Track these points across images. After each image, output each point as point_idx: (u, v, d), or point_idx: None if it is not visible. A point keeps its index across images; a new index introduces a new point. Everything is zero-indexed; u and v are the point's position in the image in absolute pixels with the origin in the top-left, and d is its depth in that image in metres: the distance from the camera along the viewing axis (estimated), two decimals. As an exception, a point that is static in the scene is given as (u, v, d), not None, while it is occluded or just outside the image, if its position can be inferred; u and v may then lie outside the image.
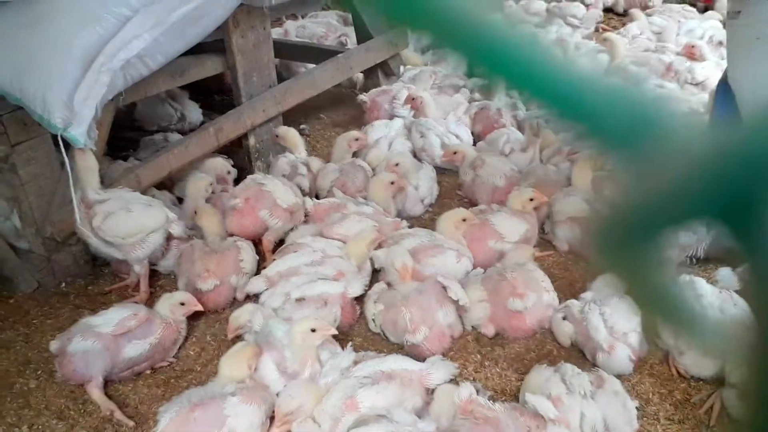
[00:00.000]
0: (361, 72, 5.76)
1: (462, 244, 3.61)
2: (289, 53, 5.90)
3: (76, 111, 3.30)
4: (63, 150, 3.38)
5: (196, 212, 3.82)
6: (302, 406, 2.66)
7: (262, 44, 4.48)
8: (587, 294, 3.19)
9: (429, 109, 5.09)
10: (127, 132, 5.02)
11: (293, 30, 6.93)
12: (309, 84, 4.96)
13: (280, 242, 3.84)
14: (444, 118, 5.08)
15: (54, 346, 3.08)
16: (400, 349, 3.18)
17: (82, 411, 2.99)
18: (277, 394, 2.77)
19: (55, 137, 3.39)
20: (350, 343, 3.06)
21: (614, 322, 2.96)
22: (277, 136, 4.62)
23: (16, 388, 3.14)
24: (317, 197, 4.24)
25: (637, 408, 2.70)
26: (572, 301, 3.18)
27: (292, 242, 3.69)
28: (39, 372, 3.22)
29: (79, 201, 3.44)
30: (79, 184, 3.45)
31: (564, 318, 3.15)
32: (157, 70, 3.68)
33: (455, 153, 4.53)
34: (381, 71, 5.75)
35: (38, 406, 3.03)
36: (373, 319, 3.29)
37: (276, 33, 6.20)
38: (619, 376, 2.84)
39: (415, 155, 4.78)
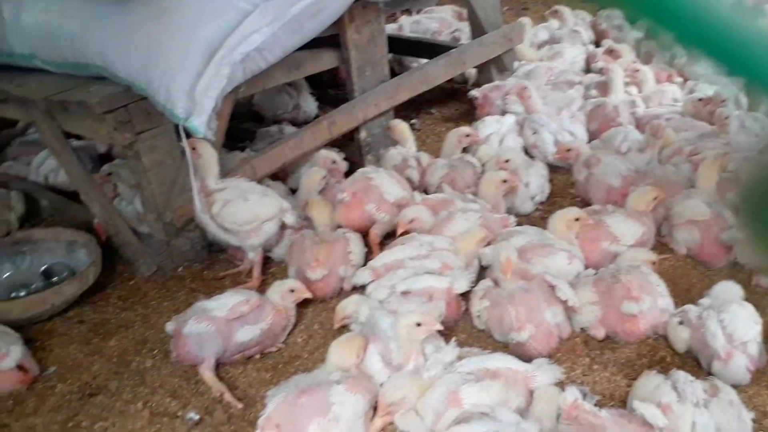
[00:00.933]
0: (475, 67, 5.70)
1: (574, 244, 3.51)
2: (403, 48, 5.92)
3: (198, 102, 3.42)
4: (184, 139, 3.51)
5: (307, 203, 3.90)
6: (406, 397, 2.67)
7: (376, 39, 4.51)
8: (705, 300, 3.04)
9: (536, 104, 4.96)
10: (244, 123, 5.18)
11: (407, 25, 6.96)
12: (421, 79, 4.95)
13: (390, 235, 3.86)
14: (557, 115, 4.96)
15: (170, 327, 3.22)
16: (505, 347, 3.13)
17: (195, 391, 3.10)
18: (381, 385, 2.79)
19: (176, 127, 3.53)
20: (454, 339, 3.03)
21: (733, 330, 2.81)
22: (389, 128, 4.65)
23: (132, 366, 3.30)
24: (426, 192, 4.23)
25: (753, 420, 2.56)
26: (689, 306, 3.04)
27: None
28: (155, 351, 3.37)
29: (198, 189, 3.57)
30: (198, 172, 3.58)
31: (680, 323, 3.02)
32: (275, 63, 3.77)
33: (569, 150, 4.40)
34: (494, 66, 5.66)
35: (153, 384, 3.17)
36: (478, 316, 3.25)
37: (390, 28, 6.22)
38: (735, 387, 2.70)
39: (526, 152, 4.68)
